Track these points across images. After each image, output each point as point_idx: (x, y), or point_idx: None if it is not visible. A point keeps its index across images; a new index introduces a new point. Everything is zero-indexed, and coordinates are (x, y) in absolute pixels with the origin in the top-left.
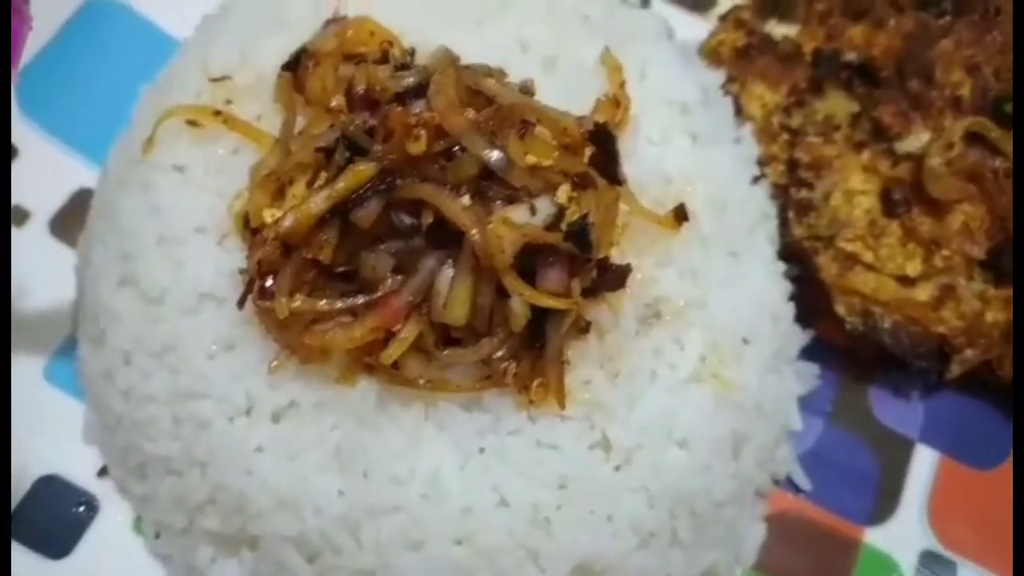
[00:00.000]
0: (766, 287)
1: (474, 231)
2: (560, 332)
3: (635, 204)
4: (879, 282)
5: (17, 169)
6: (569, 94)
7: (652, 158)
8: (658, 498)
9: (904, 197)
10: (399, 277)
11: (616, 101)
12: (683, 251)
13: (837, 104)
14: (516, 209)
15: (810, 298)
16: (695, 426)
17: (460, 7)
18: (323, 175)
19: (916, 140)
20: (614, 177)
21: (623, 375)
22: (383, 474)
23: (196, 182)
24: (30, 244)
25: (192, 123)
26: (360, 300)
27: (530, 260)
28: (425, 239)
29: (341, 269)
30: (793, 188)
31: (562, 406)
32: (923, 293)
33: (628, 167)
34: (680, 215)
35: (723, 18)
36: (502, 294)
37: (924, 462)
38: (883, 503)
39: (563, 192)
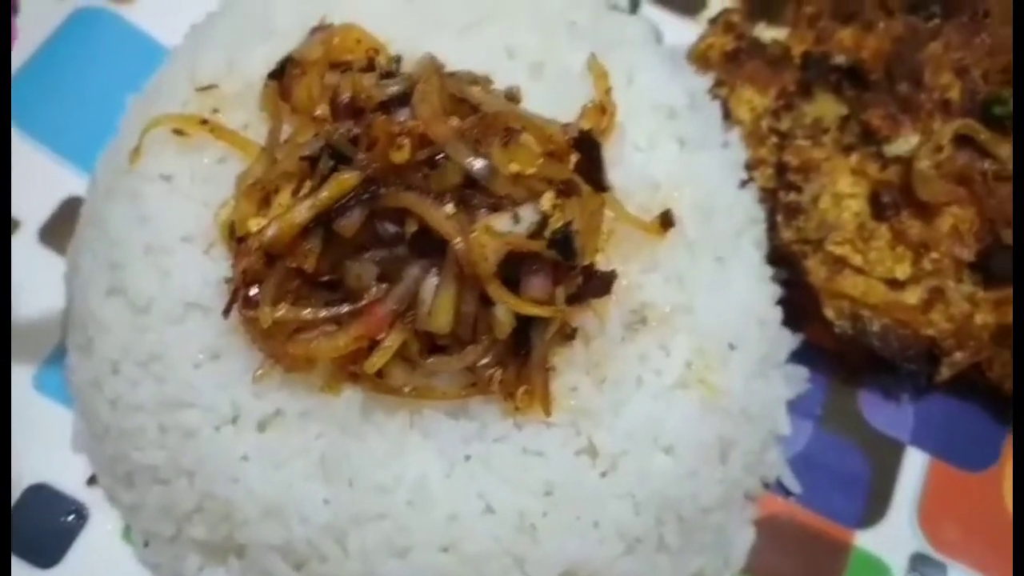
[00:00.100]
0: (753, 292)
1: (457, 239)
2: (545, 339)
3: (620, 210)
4: (868, 285)
5: None
6: (556, 100)
7: (638, 164)
8: (644, 504)
9: (893, 200)
10: (383, 285)
11: (602, 108)
12: (669, 257)
13: (826, 107)
14: (499, 217)
15: (799, 301)
16: (681, 432)
17: (447, 14)
18: (308, 184)
19: (905, 143)
20: (599, 184)
21: (609, 381)
22: (368, 482)
23: (183, 191)
24: (20, 253)
25: (179, 132)
26: (344, 309)
27: (514, 268)
28: (409, 247)
29: (326, 278)
30: (782, 192)
31: (547, 413)
32: (912, 296)
33: (614, 173)
34: (666, 221)
35: (712, 22)
36: (486, 302)
37: (914, 465)
38: (873, 506)
39: (547, 200)
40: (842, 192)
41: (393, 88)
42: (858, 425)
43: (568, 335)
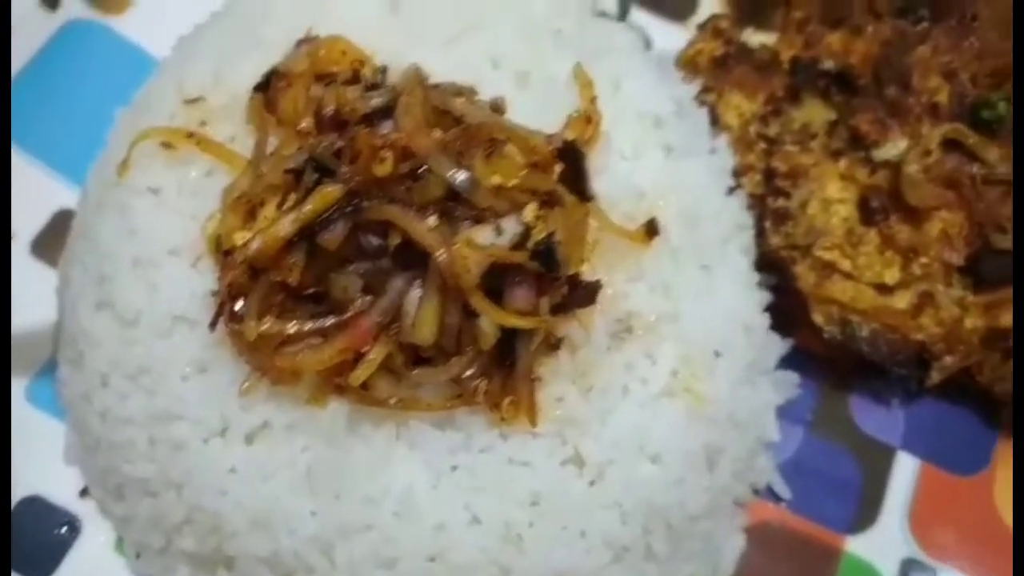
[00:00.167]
0: (739, 299)
1: (440, 252)
2: (529, 350)
3: (605, 220)
4: (857, 290)
5: None
6: (542, 109)
7: (624, 173)
8: (631, 513)
9: (882, 205)
10: (368, 298)
11: (587, 117)
12: (654, 265)
13: (814, 112)
14: (481, 229)
15: (788, 307)
16: (668, 440)
17: (432, 24)
18: (292, 197)
19: (893, 147)
20: (583, 193)
21: (595, 390)
22: (355, 494)
23: (170, 204)
24: (12, 265)
25: (166, 145)
26: (329, 321)
27: (498, 279)
28: (393, 260)
29: (311, 291)
30: (770, 197)
31: (533, 423)
32: (901, 301)
33: (599, 182)
34: (651, 230)
35: (701, 27)
36: (470, 314)
37: (905, 469)
38: (864, 511)
39: (530, 211)
40: (831, 197)
41: (376, 101)
42: (849, 430)
43: (554, 345)
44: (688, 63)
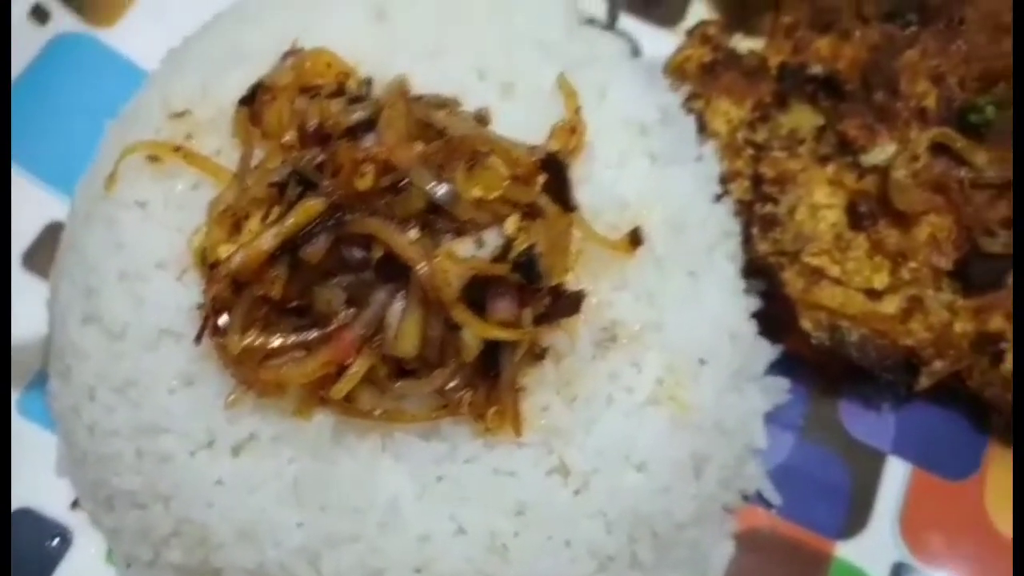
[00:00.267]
0: (725, 306)
1: (420, 265)
2: (513, 361)
3: (588, 230)
4: (846, 296)
5: None
6: (527, 120)
7: (608, 182)
8: (616, 522)
9: (870, 210)
10: (352, 310)
11: (572, 127)
12: (639, 274)
13: (802, 118)
14: (462, 242)
15: (777, 313)
16: (653, 448)
17: (418, 35)
18: (276, 210)
19: (881, 152)
20: (567, 204)
21: (580, 400)
22: (341, 505)
23: (157, 218)
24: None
25: (153, 159)
26: (312, 335)
27: (481, 291)
28: (375, 272)
29: (295, 304)
30: (758, 204)
31: (518, 433)
32: (890, 306)
33: (584, 192)
34: (635, 239)
35: (689, 33)
36: (453, 325)
37: (896, 474)
38: (855, 516)
39: (511, 223)
40: (819, 203)
41: (359, 114)
42: (839, 435)
43: (538, 355)
44: (676, 70)
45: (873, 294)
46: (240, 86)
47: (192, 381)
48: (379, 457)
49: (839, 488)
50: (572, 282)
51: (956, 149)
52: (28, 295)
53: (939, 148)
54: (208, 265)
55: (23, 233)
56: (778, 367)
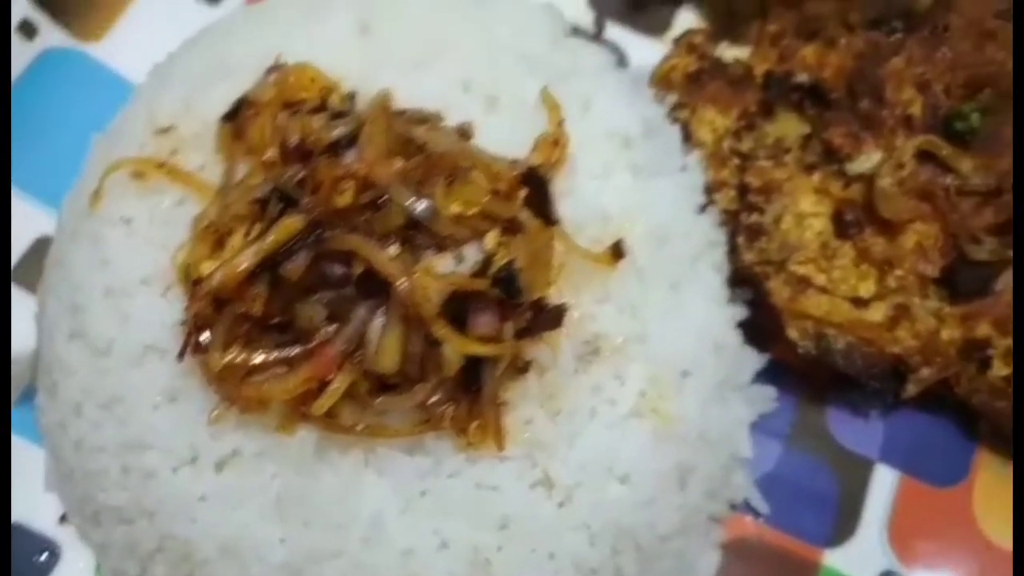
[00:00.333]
0: (709, 317)
1: (400, 281)
2: (495, 375)
3: (570, 243)
4: (832, 304)
5: None
6: (512, 132)
7: (591, 195)
8: (600, 534)
9: (856, 218)
10: (333, 327)
11: (555, 140)
12: (621, 287)
13: (788, 126)
14: (442, 258)
15: (764, 322)
16: (636, 461)
17: (402, 49)
18: (258, 227)
19: (867, 160)
20: (548, 217)
21: (563, 413)
22: (324, 520)
23: (142, 234)
24: None
25: (138, 175)
26: (294, 351)
27: (461, 306)
28: (356, 289)
29: (276, 320)
30: (743, 213)
31: (501, 447)
32: (877, 314)
33: (566, 205)
34: (617, 252)
35: (676, 42)
36: (434, 341)
37: (884, 482)
38: (843, 524)
39: (491, 238)
40: (804, 212)
41: (339, 130)
42: (827, 443)
43: (521, 368)
44: (662, 79)
45: (859, 302)
46: (225, 101)
47: (176, 397)
48: (362, 472)
49: (827, 496)
50: (554, 295)
51: (942, 157)
52: (17, 309)
53: (925, 156)
54: (192, 282)
55: (12, 247)
56: (765, 376)
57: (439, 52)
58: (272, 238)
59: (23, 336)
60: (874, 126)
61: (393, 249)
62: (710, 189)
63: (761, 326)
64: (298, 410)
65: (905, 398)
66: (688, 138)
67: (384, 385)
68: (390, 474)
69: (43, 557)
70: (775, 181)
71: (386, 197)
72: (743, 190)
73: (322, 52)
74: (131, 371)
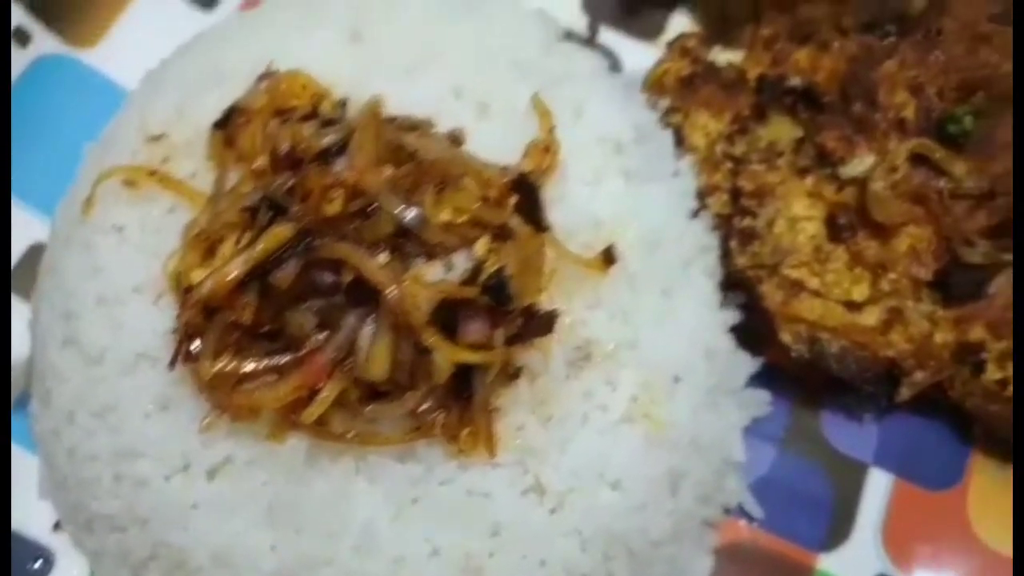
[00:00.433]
0: (701, 322)
1: (390, 289)
2: (485, 382)
3: (561, 249)
4: (825, 308)
5: None
6: (504, 138)
7: (583, 200)
8: (591, 540)
9: (849, 222)
10: (323, 335)
11: (545, 146)
12: (613, 293)
13: (781, 130)
14: (432, 266)
15: (757, 325)
16: (628, 466)
17: (394, 55)
18: (247, 235)
19: (860, 164)
20: (539, 224)
21: (555, 419)
22: (315, 528)
23: (134, 242)
24: None
25: (129, 183)
26: (284, 359)
27: (452, 313)
28: (345, 297)
29: (267, 328)
30: (736, 217)
31: (492, 454)
32: (870, 317)
33: (558, 211)
34: (608, 257)
35: (669, 46)
36: (424, 348)
37: (878, 485)
38: (837, 528)
39: (481, 245)
40: (797, 215)
41: (329, 138)
42: (821, 447)
43: (512, 374)
44: (655, 83)
45: (853, 306)
46: (218, 108)
47: (168, 405)
48: (353, 480)
49: (821, 500)
50: (546, 302)
51: (935, 160)
52: (11, 316)
53: (918, 159)
54: (183, 290)
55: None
56: (759, 380)
57: (431, 59)
58: (261, 246)
59: (17, 343)
60: (867, 129)
61: (383, 257)
62: (703, 193)
63: (754, 330)
64: (289, 418)
65: (899, 401)
66: (681, 142)
67: (374, 393)
68: (381, 481)
69: (37, 564)
70: (768, 185)
71: (375, 205)
72: (736, 194)
73: (314, 59)
74: (123, 379)
